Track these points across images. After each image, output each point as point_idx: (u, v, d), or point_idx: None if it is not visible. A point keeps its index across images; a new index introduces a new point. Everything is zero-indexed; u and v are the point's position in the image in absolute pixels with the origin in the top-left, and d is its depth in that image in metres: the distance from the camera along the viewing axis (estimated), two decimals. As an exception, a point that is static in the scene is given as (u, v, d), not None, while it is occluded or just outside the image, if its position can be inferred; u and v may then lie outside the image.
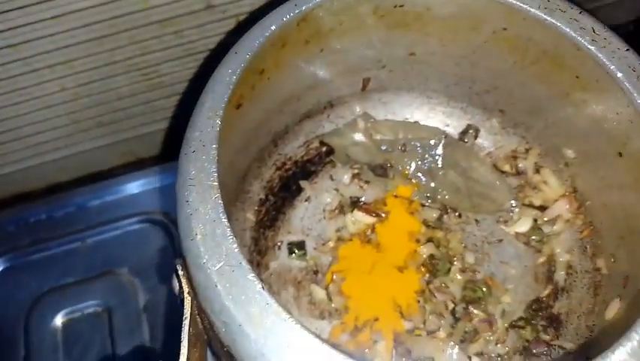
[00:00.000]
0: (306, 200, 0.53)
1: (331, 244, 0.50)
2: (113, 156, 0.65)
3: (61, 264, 0.58)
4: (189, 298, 0.29)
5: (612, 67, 0.35)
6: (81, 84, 0.55)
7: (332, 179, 0.53)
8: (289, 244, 0.50)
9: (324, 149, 0.54)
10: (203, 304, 0.28)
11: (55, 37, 0.49)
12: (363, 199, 0.52)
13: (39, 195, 0.63)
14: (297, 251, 0.50)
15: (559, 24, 0.37)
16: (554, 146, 0.49)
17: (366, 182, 0.52)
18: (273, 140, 0.52)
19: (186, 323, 0.28)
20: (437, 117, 0.54)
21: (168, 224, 0.58)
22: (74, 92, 0.55)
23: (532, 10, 0.38)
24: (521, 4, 0.38)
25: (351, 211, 0.51)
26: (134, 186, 0.61)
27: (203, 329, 0.30)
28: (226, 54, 0.35)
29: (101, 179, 0.63)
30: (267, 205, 0.52)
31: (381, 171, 0.52)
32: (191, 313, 0.29)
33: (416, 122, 0.53)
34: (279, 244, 0.50)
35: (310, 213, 0.52)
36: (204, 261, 0.27)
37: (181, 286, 0.29)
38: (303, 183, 0.53)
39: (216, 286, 0.27)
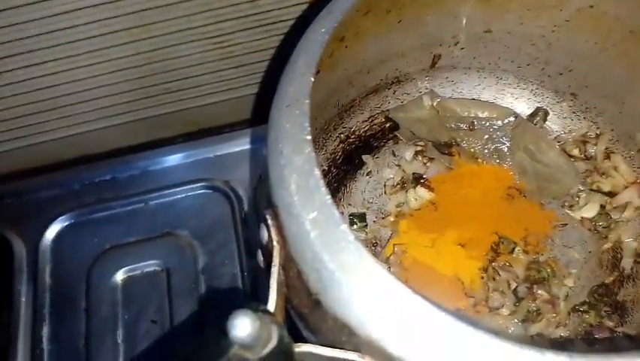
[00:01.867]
0: (367, 174, 0.53)
1: (391, 218, 0.51)
2: (177, 125, 0.66)
3: (123, 223, 0.59)
4: (278, 246, 0.29)
5: None
6: (156, 49, 0.56)
7: (394, 155, 0.54)
8: (350, 215, 0.51)
9: (388, 124, 0.55)
10: (294, 253, 0.28)
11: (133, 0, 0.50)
12: (425, 176, 0.52)
13: (105, 158, 0.65)
14: (358, 223, 0.50)
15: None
16: (627, 132, 0.48)
17: (430, 159, 0.52)
18: (339, 112, 0.53)
19: (275, 270, 0.28)
20: (505, 99, 0.54)
21: (228, 191, 0.59)
22: (148, 57, 0.57)
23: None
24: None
25: (413, 187, 0.51)
26: (196, 153, 0.62)
27: (285, 280, 0.31)
28: (309, 22, 0.36)
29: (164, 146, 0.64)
30: (329, 177, 0.52)
31: (446, 148, 0.52)
32: (278, 263, 0.29)
33: (486, 101, 0.53)
34: (340, 214, 0.51)
35: (371, 187, 0.52)
36: (298, 210, 0.28)
37: (270, 235, 0.29)
38: (365, 158, 0.53)
39: (309, 234, 0.27)
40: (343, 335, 0.27)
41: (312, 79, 0.32)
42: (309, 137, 0.30)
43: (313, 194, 0.28)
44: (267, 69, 0.61)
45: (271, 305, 0.27)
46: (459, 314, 0.29)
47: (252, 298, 0.53)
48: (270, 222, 0.30)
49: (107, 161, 0.63)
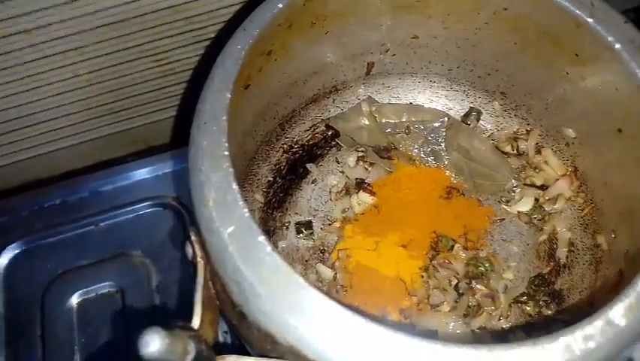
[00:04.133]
0: (312, 182, 0.54)
1: (337, 224, 0.52)
2: (125, 144, 0.66)
3: (75, 247, 0.59)
4: (202, 262, 0.30)
5: (610, 39, 0.36)
6: (93, 70, 0.56)
7: (338, 161, 0.55)
8: (297, 224, 0.52)
9: (329, 132, 0.56)
10: (216, 266, 0.29)
11: (67, 23, 0.50)
12: (367, 180, 0.53)
13: (53, 182, 0.65)
14: (304, 231, 0.51)
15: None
16: (555, 126, 0.50)
17: (371, 164, 0.54)
18: (280, 123, 0.53)
19: (200, 285, 0.29)
20: (440, 101, 0.55)
21: (179, 208, 0.60)
22: (87, 79, 0.57)
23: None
24: (521, -18, 0.39)
25: (357, 192, 0.52)
26: (145, 172, 0.63)
27: (215, 293, 0.32)
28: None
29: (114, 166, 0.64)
30: (274, 187, 0.53)
31: (385, 153, 0.54)
32: (204, 278, 0.30)
33: (419, 105, 0.55)
34: (286, 224, 0.52)
35: (317, 195, 0.53)
36: (217, 225, 0.29)
37: (194, 251, 0.30)
38: (309, 166, 0.54)
39: (228, 248, 0.28)
40: (268, 344, 0.28)
41: (229, 95, 0.32)
42: (227, 152, 0.31)
43: (231, 208, 0.29)
44: (211, 84, 0.62)
45: (195, 321, 0.28)
46: (372, 317, 0.30)
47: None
48: (193, 238, 0.30)
49: (56, 185, 0.63)
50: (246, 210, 0.29)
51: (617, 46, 0.36)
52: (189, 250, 0.31)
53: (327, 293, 0.48)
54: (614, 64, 0.37)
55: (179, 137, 0.67)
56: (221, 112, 0.32)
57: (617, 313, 0.27)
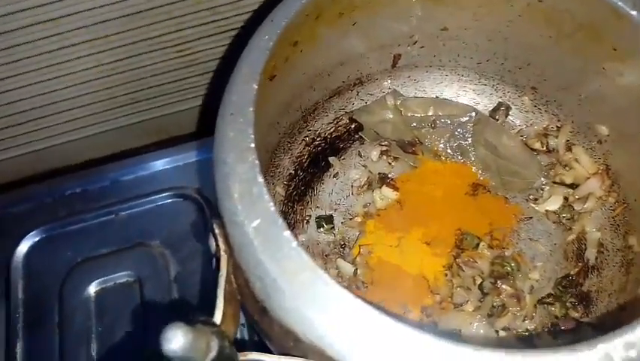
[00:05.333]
0: (334, 176, 0.53)
1: (359, 219, 0.51)
2: (147, 134, 0.66)
3: (95, 235, 0.59)
4: (225, 255, 0.30)
5: (654, 34, 0.35)
6: (118, 60, 0.56)
7: (360, 155, 0.54)
8: (317, 218, 0.51)
9: (353, 125, 0.55)
10: (239, 260, 0.28)
11: (93, 12, 0.50)
12: (391, 175, 0.52)
13: (75, 170, 0.65)
14: (325, 225, 0.50)
15: (597, -9, 0.37)
16: (587, 123, 0.48)
17: (395, 158, 0.53)
18: (303, 116, 0.53)
19: (222, 279, 0.28)
20: (468, 95, 0.54)
21: (200, 200, 0.59)
22: (111, 68, 0.57)
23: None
24: (558, -27, 0.38)
25: (379, 187, 0.51)
26: (166, 162, 0.62)
27: (237, 288, 0.31)
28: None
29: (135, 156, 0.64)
30: (296, 180, 0.52)
31: (410, 147, 0.53)
32: (227, 271, 0.29)
33: (446, 99, 0.53)
34: (307, 218, 0.51)
35: (338, 189, 0.52)
36: (241, 218, 0.28)
37: (217, 244, 0.30)
38: (331, 160, 0.53)
39: (253, 242, 0.27)
40: (290, 341, 0.27)
41: (256, 86, 0.32)
42: (253, 145, 0.30)
43: (256, 202, 0.28)
44: (233, 75, 0.61)
45: (217, 316, 0.27)
46: (402, 318, 0.29)
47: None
48: (217, 231, 0.30)
49: (77, 173, 0.63)
50: (272, 203, 0.28)
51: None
52: (212, 243, 0.30)
53: (348, 289, 0.47)
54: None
55: (202, 128, 0.67)
56: (247, 103, 0.31)
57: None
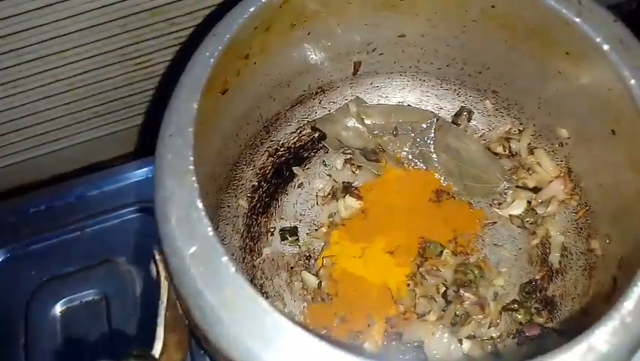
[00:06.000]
0: (299, 186, 0.53)
1: (324, 229, 0.50)
2: (113, 147, 0.65)
3: (60, 253, 0.58)
4: (166, 282, 0.29)
5: (599, 39, 0.34)
6: (75, 75, 0.55)
7: (325, 164, 0.53)
8: (282, 230, 0.50)
9: (316, 134, 0.54)
10: (179, 288, 0.28)
11: (44, 28, 0.49)
12: (355, 184, 0.52)
13: (39, 187, 0.64)
14: (289, 237, 0.50)
15: (543, -1, 0.36)
16: (548, 126, 0.48)
17: (359, 167, 0.52)
18: (265, 126, 0.52)
19: (162, 307, 0.28)
20: (430, 100, 0.53)
21: (165, 213, 0.58)
22: (69, 83, 0.56)
23: (516, -15, 0.37)
24: (505, -20, 0.37)
25: (344, 197, 0.51)
26: (132, 176, 0.61)
27: (183, 313, 0.31)
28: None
29: (102, 170, 0.63)
30: (259, 192, 0.52)
31: (373, 155, 0.52)
32: (169, 298, 0.29)
33: (408, 105, 0.53)
34: (272, 230, 0.51)
35: (303, 199, 0.52)
36: (179, 245, 0.27)
37: (158, 271, 0.29)
38: (295, 170, 0.53)
39: (190, 269, 0.27)
40: (233, 370, 0.27)
41: (196, 105, 0.31)
42: (192, 167, 0.29)
43: (194, 227, 0.28)
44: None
45: (157, 347, 0.27)
46: (346, 346, 0.28)
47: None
48: (157, 257, 0.29)
49: (41, 190, 0.62)
50: (210, 228, 0.27)
51: (606, 46, 0.34)
52: (153, 270, 0.29)
53: (313, 302, 0.47)
54: (603, 64, 0.35)
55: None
56: (187, 124, 0.31)
57: (599, 339, 0.26)
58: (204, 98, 0.34)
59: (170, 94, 0.60)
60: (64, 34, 0.51)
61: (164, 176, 0.29)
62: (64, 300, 0.56)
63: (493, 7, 0.41)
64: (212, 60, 0.33)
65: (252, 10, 0.35)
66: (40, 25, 0.50)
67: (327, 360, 0.25)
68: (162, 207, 0.29)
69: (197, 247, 0.27)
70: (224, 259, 0.27)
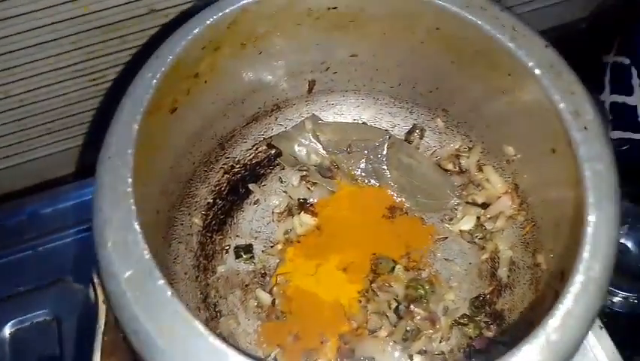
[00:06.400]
0: (254, 203, 0.53)
1: (279, 246, 0.50)
2: (66, 164, 0.64)
3: (11, 273, 0.57)
4: (104, 306, 0.29)
5: (531, 64, 0.36)
6: (26, 91, 0.54)
7: (281, 181, 0.53)
8: (236, 247, 0.50)
9: (272, 151, 0.54)
10: (116, 313, 0.28)
11: (-4, 43, 0.48)
12: (310, 201, 0.52)
13: (-9, 204, 0.62)
14: (244, 255, 0.50)
15: (480, 22, 0.38)
16: (496, 144, 0.49)
17: (314, 183, 0.52)
18: (220, 143, 0.52)
19: (100, 331, 0.27)
20: (384, 118, 0.54)
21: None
22: (19, 99, 0.55)
23: (454, 8, 0.38)
24: (444, 3, 0.38)
25: (299, 213, 0.51)
26: (86, 193, 0.61)
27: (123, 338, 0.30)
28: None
29: (55, 187, 0.62)
30: (214, 209, 0.52)
31: (328, 172, 0.53)
32: (107, 323, 0.28)
33: (363, 123, 0.54)
34: (226, 247, 0.50)
35: (259, 216, 0.52)
36: (115, 268, 0.27)
37: (96, 295, 0.28)
38: (252, 187, 0.53)
39: (126, 293, 0.27)
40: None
41: (137, 127, 0.31)
42: (130, 189, 0.29)
43: (131, 251, 0.28)
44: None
45: (91, 372, 0.26)
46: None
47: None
48: (95, 280, 0.29)
49: (-7, 208, 0.60)
50: (147, 251, 0.27)
51: (537, 71, 0.35)
52: (92, 293, 0.29)
53: (267, 319, 0.47)
54: (537, 88, 0.36)
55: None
56: (126, 145, 0.30)
57: (527, 357, 0.26)
58: (149, 118, 0.34)
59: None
60: (14, 50, 0.51)
61: (102, 199, 0.29)
62: (14, 321, 0.54)
63: (437, 29, 0.43)
64: (154, 81, 0.33)
65: (196, 31, 0.35)
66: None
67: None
68: (99, 230, 0.28)
69: (133, 271, 0.27)
70: (161, 282, 0.27)
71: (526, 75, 0.37)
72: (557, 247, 0.43)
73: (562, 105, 0.34)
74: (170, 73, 0.35)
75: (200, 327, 0.26)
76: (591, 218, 0.31)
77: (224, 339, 0.26)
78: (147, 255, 0.27)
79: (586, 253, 0.30)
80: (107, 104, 0.59)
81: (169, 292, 0.27)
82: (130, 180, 0.29)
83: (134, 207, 0.29)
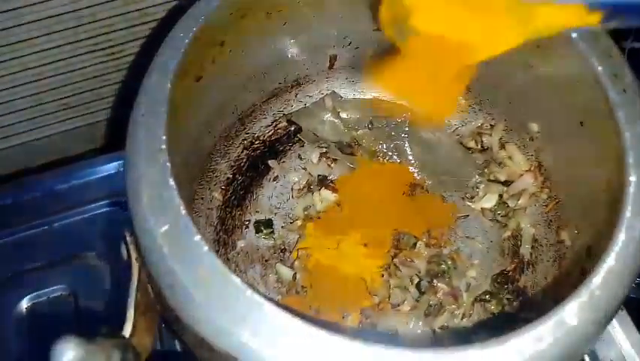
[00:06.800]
0: (274, 179, 0.52)
1: (299, 222, 0.50)
2: (82, 141, 0.64)
3: (27, 248, 0.57)
4: (137, 264, 0.28)
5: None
6: (44, 63, 0.54)
7: (300, 158, 0.53)
8: (256, 222, 0.50)
9: (292, 128, 0.54)
10: (150, 268, 0.27)
11: (13, 13, 0.48)
12: (330, 177, 0.52)
13: (6, 180, 0.62)
14: (264, 229, 0.49)
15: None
16: (519, 121, 0.49)
17: (334, 160, 0.52)
18: (240, 118, 0.52)
19: (133, 288, 0.27)
20: (405, 96, 0.54)
21: (136, 207, 0.57)
22: (38, 72, 0.54)
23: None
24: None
25: (319, 190, 0.51)
26: (102, 170, 0.60)
27: (154, 298, 0.30)
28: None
29: (71, 164, 0.62)
30: (234, 184, 0.51)
31: (348, 149, 0.52)
32: (140, 281, 0.28)
33: (383, 100, 0.53)
34: (246, 222, 0.50)
35: (278, 192, 0.52)
36: (150, 224, 0.27)
37: (129, 252, 0.28)
38: (271, 163, 0.53)
39: (162, 248, 0.26)
40: (205, 351, 0.26)
41: (169, 85, 0.31)
42: (164, 146, 0.29)
43: (166, 206, 0.27)
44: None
45: (127, 328, 0.26)
46: (318, 321, 0.28)
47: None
48: (128, 238, 0.28)
49: (8, 183, 0.60)
50: (182, 208, 0.27)
51: (574, 35, 0.35)
52: (124, 251, 0.29)
53: (287, 294, 0.47)
54: (571, 54, 0.36)
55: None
56: (160, 103, 0.30)
57: (569, 313, 0.26)
58: (178, 82, 0.33)
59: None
60: (33, 21, 0.50)
61: (136, 155, 0.29)
62: (30, 296, 0.54)
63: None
64: (186, 41, 0.33)
65: (226, -6, 0.35)
66: (7, 11, 0.48)
67: (302, 337, 0.25)
68: (134, 186, 0.28)
69: (169, 226, 0.26)
70: (197, 238, 0.26)
71: (560, 42, 0.36)
72: (583, 223, 0.43)
73: (600, 68, 0.34)
74: (200, 36, 0.34)
75: (237, 281, 0.26)
76: (632, 178, 0.31)
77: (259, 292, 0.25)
78: (183, 211, 0.27)
79: (628, 213, 0.30)
80: (124, 80, 0.59)
81: (205, 248, 0.26)
82: (164, 137, 0.29)
83: (168, 163, 0.28)
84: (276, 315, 0.25)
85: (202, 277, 0.26)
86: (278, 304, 0.25)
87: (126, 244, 0.28)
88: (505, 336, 0.25)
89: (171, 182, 0.28)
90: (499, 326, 0.45)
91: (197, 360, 0.32)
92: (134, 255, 0.28)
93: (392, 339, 0.39)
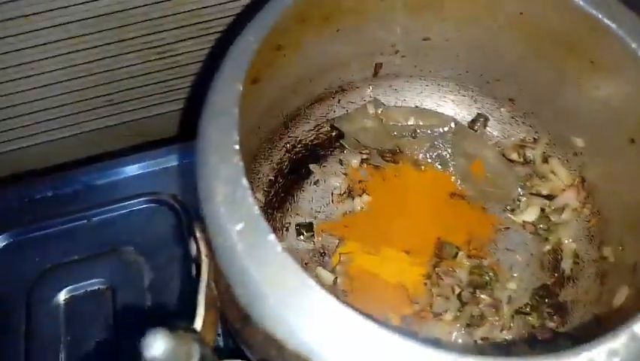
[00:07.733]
0: (314, 183, 0.53)
1: (339, 227, 0.50)
2: (123, 137, 0.65)
3: (65, 241, 0.57)
4: (207, 260, 0.29)
5: (634, 45, 0.35)
6: (92, 60, 0.55)
7: (341, 163, 0.54)
8: (297, 225, 0.50)
9: (334, 133, 0.55)
10: (221, 265, 0.28)
11: (68, 10, 0.49)
12: (370, 183, 0.52)
13: (45, 174, 0.63)
14: (305, 233, 0.50)
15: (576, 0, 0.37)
16: (563, 135, 0.49)
17: (375, 167, 0.52)
18: (284, 122, 0.52)
19: (203, 285, 0.28)
20: (447, 105, 0.54)
21: (176, 205, 0.58)
22: (84, 69, 0.55)
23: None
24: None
25: (360, 195, 0.51)
26: (142, 167, 0.61)
27: (217, 295, 0.30)
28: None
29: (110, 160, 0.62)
30: (276, 187, 0.52)
31: (390, 156, 0.53)
32: (207, 278, 0.29)
33: (426, 108, 0.54)
34: (287, 225, 0.50)
35: (318, 196, 0.52)
36: (224, 222, 0.27)
37: (199, 249, 0.29)
38: (312, 167, 0.53)
39: (236, 246, 0.27)
40: (273, 350, 0.27)
41: (241, 87, 0.31)
42: (237, 146, 0.29)
43: (240, 205, 0.28)
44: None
45: (198, 322, 0.26)
46: (390, 326, 0.29)
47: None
48: (198, 235, 0.29)
49: (49, 176, 0.61)
50: (256, 207, 0.28)
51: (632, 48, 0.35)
52: (193, 247, 0.29)
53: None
54: (633, 71, 0.36)
55: (181, 132, 0.65)
56: (232, 104, 0.31)
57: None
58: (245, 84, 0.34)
59: (189, 86, 0.61)
60: (84, 18, 0.51)
61: (209, 154, 0.29)
62: (68, 288, 0.55)
63: (521, 13, 0.43)
64: (255, 45, 0.33)
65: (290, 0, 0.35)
66: (62, 7, 0.49)
67: (369, 338, 0.25)
68: (207, 184, 0.29)
69: (243, 224, 0.27)
70: (271, 237, 0.27)
71: (622, 59, 0.37)
72: (629, 239, 0.43)
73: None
74: (266, 41, 0.35)
75: (311, 282, 0.26)
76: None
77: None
78: (256, 210, 0.27)
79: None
80: (170, 78, 0.59)
81: (279, 247, 0.27)
82: (237, 137, 0.30)
83: (241, 163, 0.29)
84: (351, 318, 0.25)
85: (275, 275, 0.26)
86: (353, 307, 0.26)
87: (196, 240, 0.29)
88: (578, 348, 0.25)
89: (244, 181, 0.28)
90: (538, 340, 0.45)
91: (246, 357, 0.33)
92: (203, 251, 0.29)
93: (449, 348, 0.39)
